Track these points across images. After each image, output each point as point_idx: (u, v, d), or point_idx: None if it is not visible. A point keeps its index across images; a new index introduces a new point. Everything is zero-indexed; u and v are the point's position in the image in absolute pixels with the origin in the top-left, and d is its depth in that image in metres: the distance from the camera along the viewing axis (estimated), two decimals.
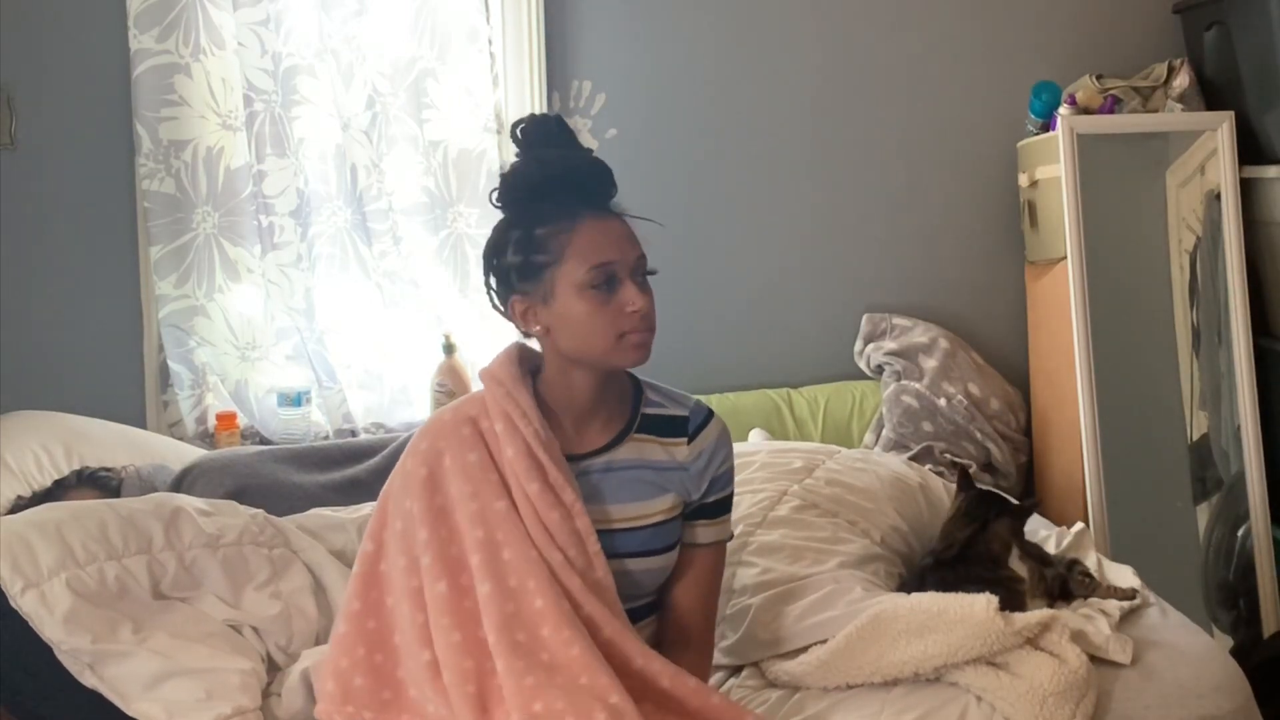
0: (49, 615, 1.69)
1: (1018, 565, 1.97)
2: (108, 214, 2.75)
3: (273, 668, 1.85)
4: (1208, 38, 2.92)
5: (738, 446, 2.40)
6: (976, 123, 3.07)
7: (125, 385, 2.78)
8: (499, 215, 2.89)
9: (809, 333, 3.07)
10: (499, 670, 1.52)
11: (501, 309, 1.69)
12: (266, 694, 1.79)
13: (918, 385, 2.91)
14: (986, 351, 3.06)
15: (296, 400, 2.79)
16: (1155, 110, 2.91)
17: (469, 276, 2.90)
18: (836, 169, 3.05)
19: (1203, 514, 2.82)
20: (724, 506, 1.76)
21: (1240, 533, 2.76)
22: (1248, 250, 2.79)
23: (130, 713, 1.68)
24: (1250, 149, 2.81)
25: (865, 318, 3.06)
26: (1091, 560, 2.12)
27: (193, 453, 2.56)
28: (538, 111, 2.84)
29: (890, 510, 2.15)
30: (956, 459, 2.83)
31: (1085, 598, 1.98)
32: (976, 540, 2.00)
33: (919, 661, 1.71)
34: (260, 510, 2.02)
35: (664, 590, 1.75)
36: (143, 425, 2.74)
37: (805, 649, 1.80)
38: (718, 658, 1.90)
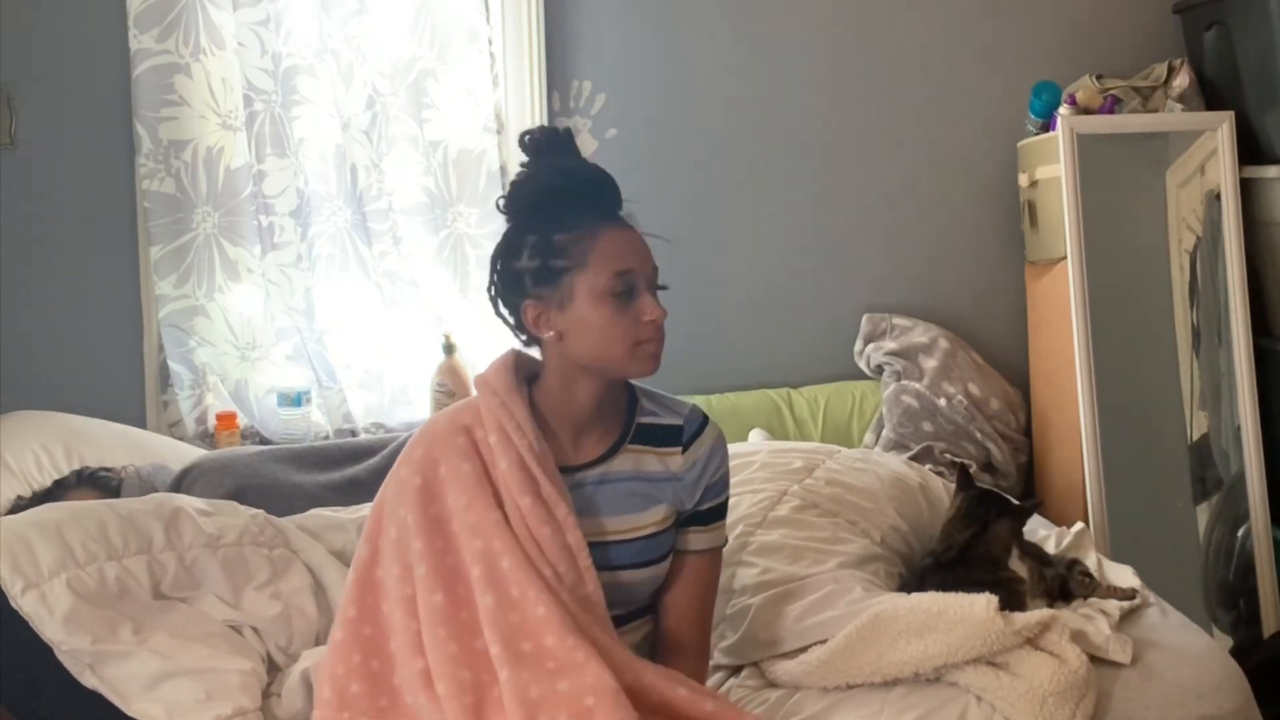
0: (49, 616, 1.69)
1: (1018, 566, 1.97)
2: (108, 214, 2.75)
3: (273, 668, 1.85)
4: (1208, 38, 2.92)
5: (738, 446, 2.42)
6: (976, 123, 3.07)
7: (125, 385, 2.78)
8: (499, 215, 2.92)
9: (809, 333, 3.07)
10: (503, 681, 1.51)
11: (505, 314, 1.68)
12: (266, 694, 1.79)
13: (918, 385, 2.91)
14: (986, 351, 3.06)
15: (296, 400, 2.79)
16: (1155, 110, 2.91)
17: (469, 276, 2.90)
18: (836, 169, 3.05)
19: (1203, 514, 2.82)
20: (718, 513, 1.75)
21: (1240, 533, 2.76)
22: (1248, 250, 2.79)
23: (130, 713, 1.68)
24: (1250, 149, 2.81)
25: (865, 318, 3.06)
26: (1091, 560, 2.12)
27: (193, 453, 2.56)
28: (538, 112, 2.85)
29: (890, 510, 2.15)
30: (956, 459, 2.83)
31: (1085, 598, 1.98)
32: (977, 542, 2.00)
33: (919, 661, 1.71)
34: (260, 510, 2.02)
35: (657, 596, 1.74)
36: (143, 425, 2.74)
37: (805, 649, 1.80)
38: (718, 658, 1.90)
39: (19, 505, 2.21)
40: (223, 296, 2.78)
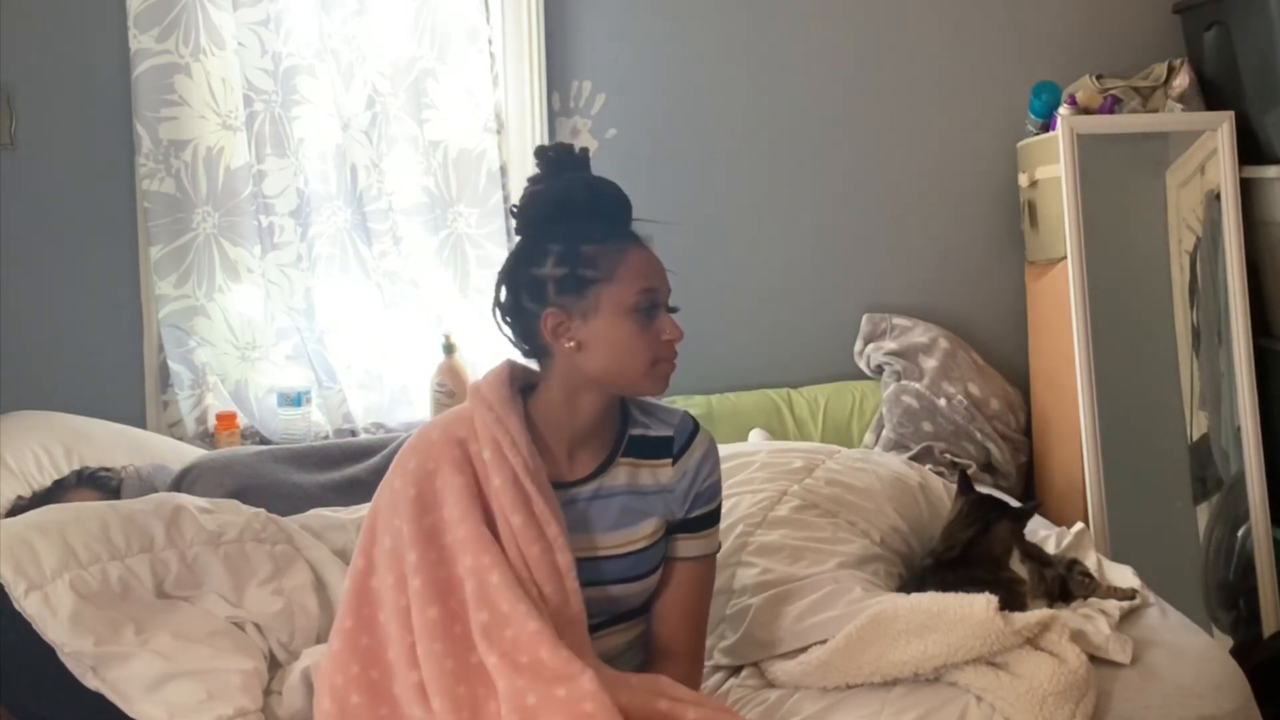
0: (52, 617, 1.69)
1: (1018, 567, 1.97)
2: (108, 214, 2.75)
3: (274, 665, 1.85)
4: (1208, 38, 2.92)
5: (737, 446, 2.42)
6: (976, 123, 3.06)
7: (125, 385, 2.78)
8: (499, 216, 2.93)
9: (809, 333, 3.07)
10: (501, 690, 1.50)
11: (509, 324, 1.66)
12: (268, 692, 1.79)
13: (918, 385, 2.91)
14: (986, 351, 3.06)
15: (296, 400, 2.79)
16: (1155, 110, 2.91)
17: (469, 276, 2.90)
18: (836, 169, 3.05)
19: (1203, 514, 2.82)
20: (709, 521, 1.75)
21: (1240, 533, 2.76)
22: (1248, 250, 2.79)
23: (133, 714, 1.68)
24: (1250, 149, 2.81)
25: (865, 318, 3.06)
26: (1091, 560, 2.12)
27: (193, 453, 2.56)
28: (538, 112, 2.86)
29: (890, 510, 2.15)
30: (956, 459, 2.83)
31: (1085, 598, 1.98)
32: (978, 541, 2.00)
33: (919, 661, 1.71)
34: (261, 509, 2.02)
35: (649, 602, 1.74)
36: (143, 425, 2.74)
37: (805, 649, 1.80)
38: (717, 658, 1.90)
39: (19, 505, 2.21)
40: (223, 296, 2.78)
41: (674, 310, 1.65)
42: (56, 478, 2.35)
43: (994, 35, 3.06)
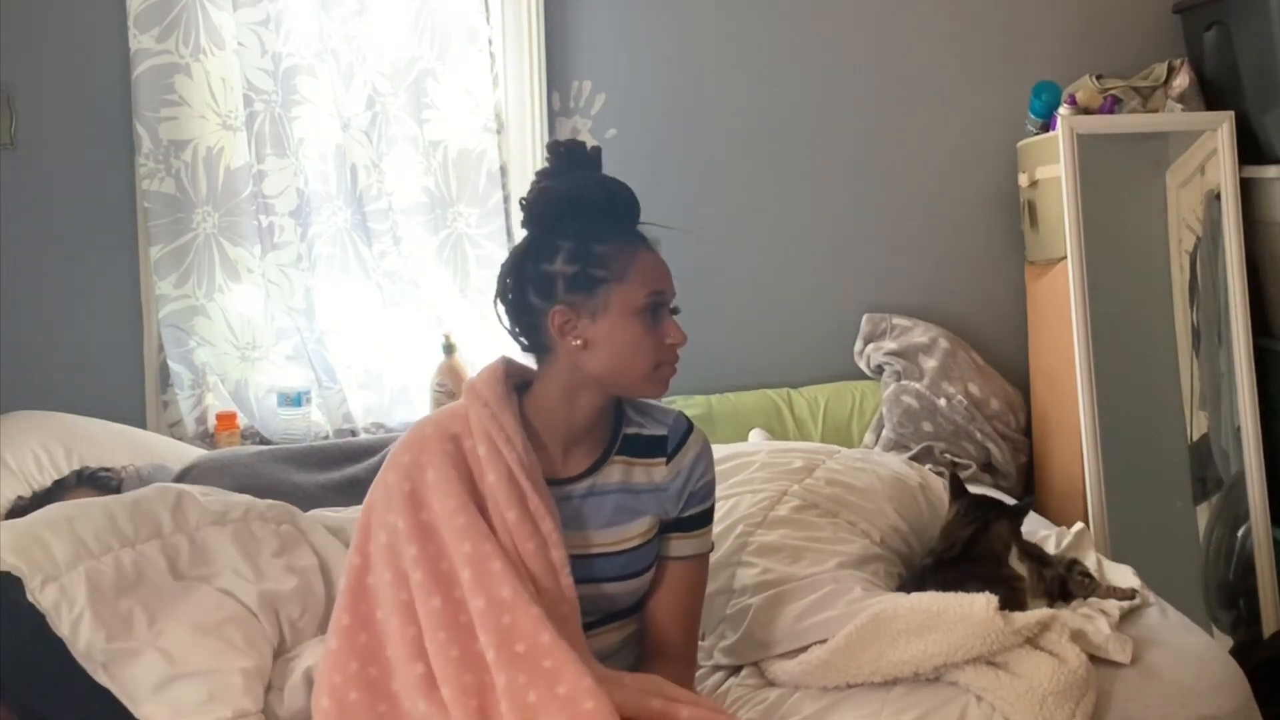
0: (69, 609, 1.70)
1: (1017, 565, 1.97)
2: (108, 214, 2.75)
3: (281, 650, 1.84)
4: (1208, 38, 2.92)
5: (737, 446, 2.42)
6: (976, 123, 3.06)
7: (125, 385, 2.78)
8: (499, 215, 2.93)
9: (809, 333, 3.07)
10: (500, 687, 1.50)
11: (510, 317, 1.66)
12: (270, 688, 1.79)
13: (918, 385, 2.91)
14: (986, 351, 3.06)
15: (296, 400, 2.79)
16: (1155, 110, 2.91)
17: (469, 276, 2.90)
18: (836, 169, 3.05)
19: (1203, 514, 2.82)
20: (702, 520, 1.74)
21: (1240, 533, 2.76)
22: (1248, 250, 2.79)
23: (138, 714, 1.68)
24: (1250, 149, 2.80)
25: (865, 318, 3.06)
26: (1091, 560, 2.11)
27: (193, 453, 2.56)
28: (538, 112, 2.86)
29: (890, 510, 2.15)
30: (956, 459, 2.83)
31: (1085, 598, 1.98)
32: (978, 540, 2.00)
33: (919, 661, 1.71)
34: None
35: (643, 600, 1.74)
36: (143, 425, 2.74)
37: (805, 649, 1.80)
38: (718, 658, 1.90)
39: (19, 505, 2.22)
40: (223, 296, 2.78)
41: (675, 313, 1.66)
42: (56, 478, 2.35)
43: (994, 35, 3.06)
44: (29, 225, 2.70)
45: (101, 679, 1.70)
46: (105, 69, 2.69)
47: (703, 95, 2.98)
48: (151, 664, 1.70)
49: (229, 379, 2.80)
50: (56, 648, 1.70)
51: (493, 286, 1.69)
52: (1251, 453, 2.74)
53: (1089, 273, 2.75)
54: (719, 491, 2.04)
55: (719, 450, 2.19)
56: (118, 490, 2.26)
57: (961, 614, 1.71)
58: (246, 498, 2.00)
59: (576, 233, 1.60)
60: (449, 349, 2.83)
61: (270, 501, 2.02)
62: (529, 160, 2.87)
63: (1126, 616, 1.94)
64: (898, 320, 3.03)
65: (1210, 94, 2.93)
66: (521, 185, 2.87)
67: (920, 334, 3.00)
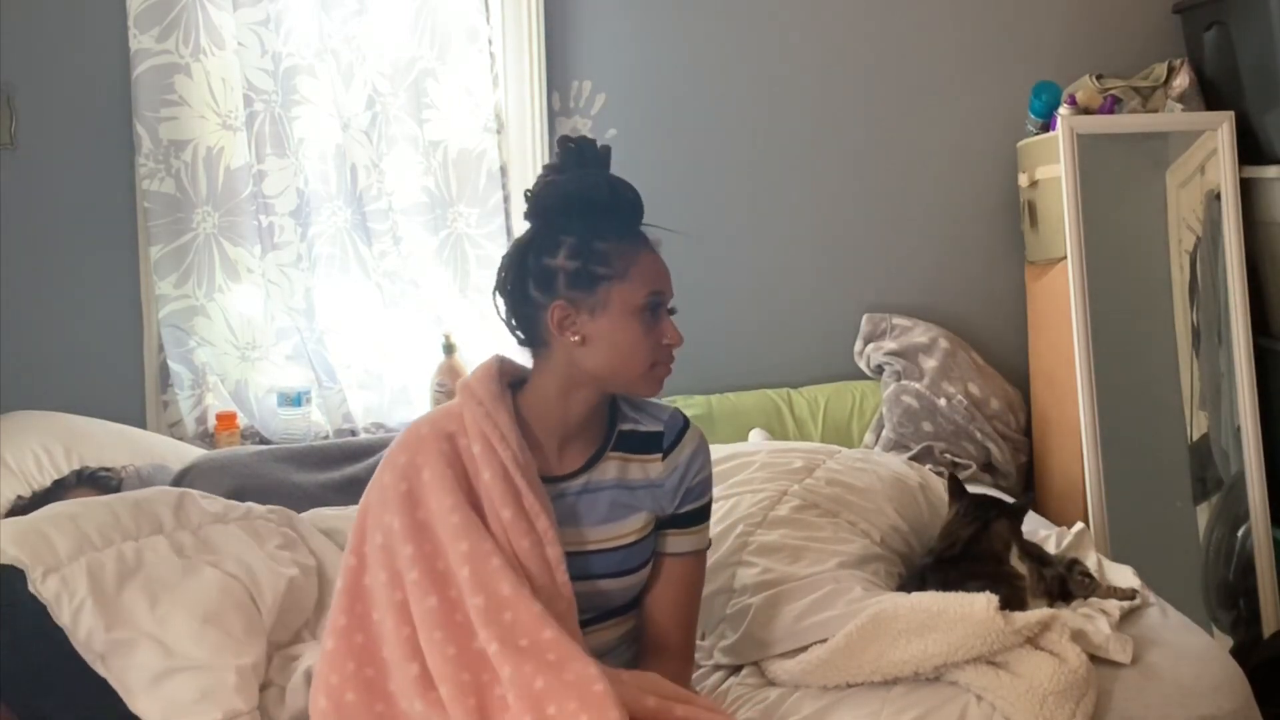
0: (70, 599, 1.71)
1: (1018, 564, 1.97)
2: (108, 214, 2.75)
3: (274, 644, 1.85)
4: (1208, 38, 2.92)
5: (737, 446, 2.42)
6: (976, 123, 3.06)
7: (125, 385, 2.78)
8: (499, 215, 2.93)
9: (809, 333, 3.07)
10: (505, 677, 1.50)
11: (507, 309, 1.66)
12: (266, 685, 1.79)
13: (918, 385, 2.91)
14: (986, 351, 3.06)
15: (296, 400, 2.79)
16: (1155, 110, 2.91)
17: (469, 276, 2.90)
18: (836, 169, 3.05)
19: (1203, 514, 2.82)
20: (699, 516, 1.74)
21: (1240, 533, 2.76)
22: (1248, 250, 2.79)
23: (133, 708, 1.69)
24: (1250, 149, 2.81)
25: (865, 318, 3.06)
26: (1091, 560, 2.12)
27: (193, 453, 2.56)
28: (538, 112, 2.86)
29: (890, 510, 2.15)
30: (956, 459, 2.83)
31: (1085, 598, 1.98)
32: (979, 539, 2.00)
33: (919, 660, 1.71)
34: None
35: (639, 597, 1.74)
36: (143, 425, 2.74)
37: (805, 648, 1.80)
38: (718, 657, 1.90)
39: (19, 505, 2.22)
40: (223, 296, 2.78)
41: (673, 313, 1.66)
42: (56, 478, 2.36)
43: (994, 35, 3.06)
44: (29, 225, 2.70)
45: (100, 670, 1.71)
46: (105, 69, 2.69)
47: (703, 95, 2.98)
48: (148, 655, 1.71)
49: (229, 379, 2.80)
50: (58, 642, 1.70)
51: (492, 284, 1.69)
52: (1251, 453, 2.74)
53: (1089, 273, 2.75)
54: (719, 491, 2.05)
55: (719, 450, 2.19)
56: (118, 490, 2.27)
57: (962, 614, 1.71)
58: (246, 503, 2.01)
59: (580, 229, 1.60)
60: (449, 349, 2.83)
61: (270, 506, 2.04)
62: (529, 160, 2.87)
63: (1126, 616, 1.94)
64: (898, 320, 3.03)
65: (1210, 94, 2.93)
66: (521, 185, 2.85)
67: (920, 334, 3.00)
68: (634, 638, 1.76)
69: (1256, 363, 2.77)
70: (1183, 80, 2.90)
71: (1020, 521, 2.05)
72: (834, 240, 3.06)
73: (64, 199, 2.72)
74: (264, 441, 2.79)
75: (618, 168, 1.68)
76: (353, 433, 2.84)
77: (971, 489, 2.15)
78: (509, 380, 1.68)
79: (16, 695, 1.69)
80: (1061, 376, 2.85)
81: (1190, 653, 1.85)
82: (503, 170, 2.88)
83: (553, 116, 2.90)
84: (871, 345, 3.03)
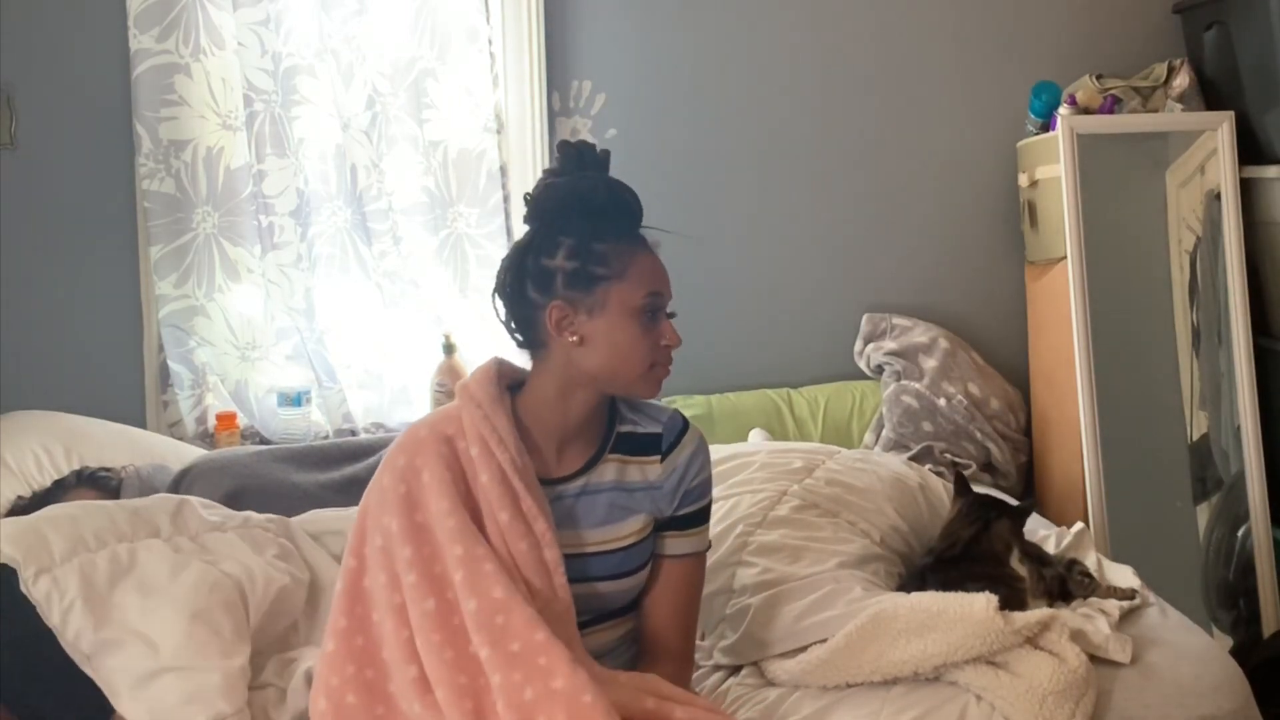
0: (60, 599, 1.71)
1: (1018, 565, 1.97)
2: (108, 214, 2.75)
3: (266, 652, 1.85)
4: (1208, 38, 2.92)
5: (737, 447, 2.42)
6: (976, 123, 3.06)
7: (125, 385, 2.78)
8: (499, 215, 2.93)
9: (809, 333, 3.07)
10: (495, 685, 1.50)
11: (506, 310, 1.67)
12: (264, 686, 1.79)
13: (918, 385, 2.91)
14: (986, 351, 3.06)
15: (296, 400, 2.79)
16: (1155, 110, 2.91)
17: (469, 276, 2.90)
18: (836, 169, 3.05)
19: (1203, 514, 2.82)
20: (698, 519, 1.74)
21: (1240, 533, 2.76)
22: (1248, 250, 2.79)
23: (118, 709, 1.69)
24: (1250, 149, 2.81)
25: (865, 318, 3.06)
26: (1091, 560, 2.12)
27: (193, 453, 2.56)
28: (538, 112, 2.86)
29: (890, 510, 2.15)
30: (956, 459, 2.83)
31: (1085, 598, 1.98)
32: (980, 539, 2.00)
33: (918, 660, 1.71)
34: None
35: (638, 599, 1.74)
36: (143, 425, 2.74)
37: (805, 648, 1.80)
38: (718, 657, 1.90)
39: (19, 505, 2.22)
40: (223, 296, 2.78)
41: (672, 316, 1.66)
42: (56, 478, 2.35)
43: (994, 35, 3.06)
44: (29, 225, 2.70)
45: (87, 670, 1.70)
46: (105, 69, 2.69)
47: (703, 95, 2.98)
48: (135, 656, 1.70)
49: (229, 379, 2.80)
50: (54, 642, 1.70)
51: (492, 285, 1.69)
52: (1251, 453, 2.74)
53: (1089, 273, 2.75)
54: (719, 491, 2.05)
55: (719, 450, 2.19)
56: (117, 490, 2.27)
57: (961, 613, 1.71)
58: (244, 512, 2.01)
59: (578, 230, 1.60)
60: (449, 349, 2.83)
61: (269, 515, 2.04)
62: (529, 160, 2.87)
63: (1126, 616, 1.94)
64: (898, 320, 3.03)
65: (1210, 94, 2.93)
66: (521, 185, 2.87)
67: (920, 334, 3.00)
68: (633, 639, 1.76)
69: (1256, 363, 2.77)
70: (1183, 80, 2.90)
71: (1023, 523, 2.05)
72: (834, 240, 3.06)
73: (64, 199, 2.72)
74: (264, 441, 2.79)
75: (617, 168, 1.68)
76: (353, 433, 2.84)
77: (973, 489, 2.15)
78: (508, 382, 1.69)
79: (14, 695, 1.69)
80: (1061, 376, 2.85)
81: (1190, 653, 1.85)
82: (503, 170, 2.88)
83: (553, 116, 2.90)
84: (871, 345, 3.03)
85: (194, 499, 2.00)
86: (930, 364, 2.94)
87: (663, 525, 1.72)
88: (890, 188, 3.07)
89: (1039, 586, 1.96)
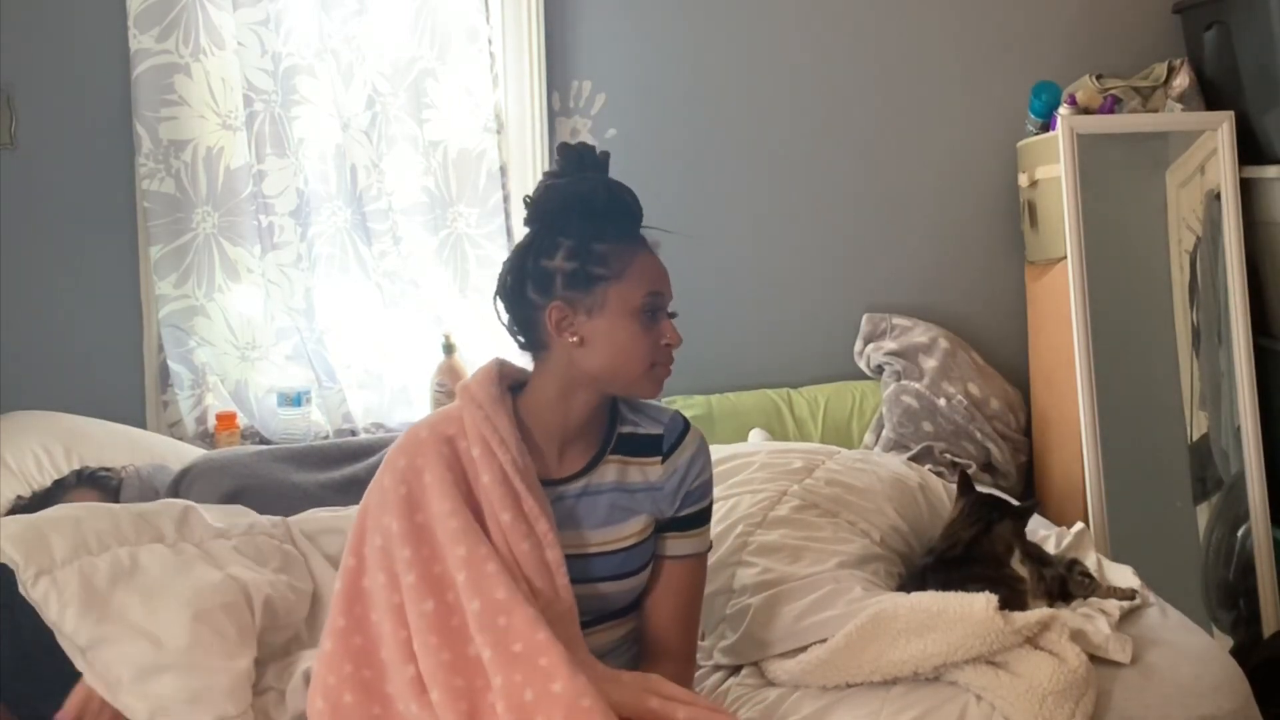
0: (57, 598, 1.70)
1: (1019, 566, 1.97)
2: (108, 214, 2.75)
3: (267, 660, 1.85)
4: (1208, 38, 2.92)
5: (737, 447, 2.42)
6: (976, 123, 3.06)
7: (125, 385, 2.78)
8: (499, 215, 2.93)
9: (809, 333, 3.07)
10: (496, 687, 1.50)
11: (507, 312, 1.67)
12: (264, 689, 1.79)
13: (918, 385, 2.91)
14: (986, 351, 3.06)
15: (296, 400, 2.79)
16: (1155, 110, 2.91)
17: (469, 276, 2.90)
18: (836, 169, 3.05)
19: (1203, 514, 2.82)
20: (699, 519, 1.75)
21: (1240, 533, 2.76)
22: (1248, 250, 2.79)
23: (115, 704, 1.68)
24: (1250, 149, 2.81)
25: (865, 318, 3.06)
26: (1091, 560, 2.12)
27: (193, 453, 2.56)
28: (538, 112, 2.86)
29: (890, 510, 2.16)
30: (956, 459, 2.83)
31: (1085, 598, 1.98)
32: (981, 540, 2.00)
33: (918, 660, 1.71)
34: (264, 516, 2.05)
35: (640, 599, 1.74)
36: (143, 425, 2.74)
37: (805, 648, 1.80)
38: (718, 657, 1.90)
39: (19, 505, 2.22)
40: (223, 296, 2.78)
41: (673, 316, 1.66)
42: (56, 478, 2.35)
43: (994, 35, 3.06)
44: (29, 225, 2.70)
45: (81, 665, 1.69)
46: (105, 69, 2.69)
47: (702, 95, 2.98)
48: (136, 651, 1.70)
49: (229, 379, 2.80)
50: (53, 643, 1.70)
51: (492, 286, 1.70)
52: (1251, 453, 2.74)
53: (1089, 273, 2.75)
54: (719, 491, 2.05)
55: (719, 450, 2.19)
56: (117, 490, 2.27)
57: (961, 613, 1.71)
58: (251, 516, 2.00)
59: (578, 231, 1.61)
60: (449, 349, 2.83)
61: (273, 519, 2.03)
62: (529, 160, 2.87)
63: (1126, 616, 1.94)
64: (898, 320, 3.03)
65: (1210, 94, 2.93)
66: (521, 185, 2.87)
67: (920, 334, 3.00)
68: (634, 639, 1.76)
69: (1256, 363, 2.77)
70: (1183, 80, 2.90)
71: (1025, 523, 2.05)
72: (834, 240, 3.06)
73: (64, 199, 2.72)
74: (264, 441, 2.79)
75: (617, 168, 1.68)
76: (353, 433, 2.84)
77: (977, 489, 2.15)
78: (509, 383, 1.69)
79: (15, 696, 1.69)
80: (1061, 376, 2.85)
81: (1190, 653, 1.85)
82: (502, 170, 2.88)
83: (553, 116, 2.90)
84: (871, 345, 3.03)
85: (199, 506, 1.99)
86: (930, 364, 2.94)
87: (664, 526, 1.72)
88: (890, 188, 3.07)
89: (1039, 587, 1.96)
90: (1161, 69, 2.95)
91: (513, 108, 2.89)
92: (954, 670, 1.72)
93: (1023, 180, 2.99)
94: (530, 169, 2.86)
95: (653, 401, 1.75)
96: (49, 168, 2.71)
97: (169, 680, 1.69)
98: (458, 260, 2.90)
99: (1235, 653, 2.35)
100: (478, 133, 2.86)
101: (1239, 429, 2.76)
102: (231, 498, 2.18)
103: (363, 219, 2.83)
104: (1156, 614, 1.97)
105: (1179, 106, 2.88)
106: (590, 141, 2.84)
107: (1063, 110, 2.82)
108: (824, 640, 1.78)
